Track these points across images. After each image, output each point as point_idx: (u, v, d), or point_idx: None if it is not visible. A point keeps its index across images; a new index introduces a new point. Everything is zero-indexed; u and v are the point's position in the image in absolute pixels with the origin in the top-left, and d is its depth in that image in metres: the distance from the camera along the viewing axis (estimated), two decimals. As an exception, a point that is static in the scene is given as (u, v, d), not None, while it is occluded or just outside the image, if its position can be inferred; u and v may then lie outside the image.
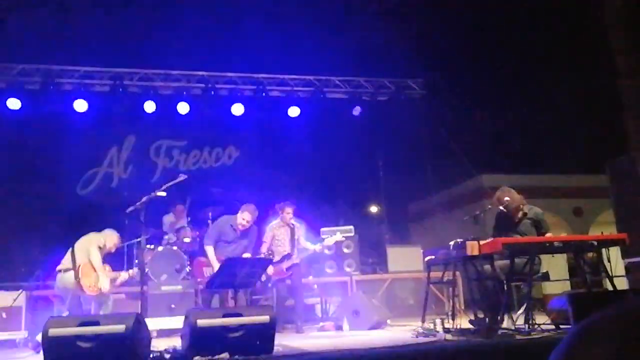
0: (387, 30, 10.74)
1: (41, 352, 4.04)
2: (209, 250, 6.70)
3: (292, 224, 7.45)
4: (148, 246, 8.22)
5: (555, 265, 7.20)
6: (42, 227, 8.95)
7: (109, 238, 6.24)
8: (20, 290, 6.87)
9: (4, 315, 6.74)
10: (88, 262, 5.85)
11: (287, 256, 7.16)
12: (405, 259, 8.96)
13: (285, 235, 7.46)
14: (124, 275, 6.20)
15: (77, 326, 4.00)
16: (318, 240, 7.99)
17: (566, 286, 7.13)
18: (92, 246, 5.93)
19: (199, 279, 6.51)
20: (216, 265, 6.37)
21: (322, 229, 9.30)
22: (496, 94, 11.53)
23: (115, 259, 7.43)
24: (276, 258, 7.08)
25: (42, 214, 9.37)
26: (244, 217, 6.72)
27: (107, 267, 6.09)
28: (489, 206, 5.86)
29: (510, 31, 11.17)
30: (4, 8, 8.39)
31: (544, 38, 11.47)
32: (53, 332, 3.94)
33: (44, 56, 9.54)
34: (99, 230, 6.33)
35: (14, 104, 9.39)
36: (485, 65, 11.48)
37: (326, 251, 7.79)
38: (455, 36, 10.81)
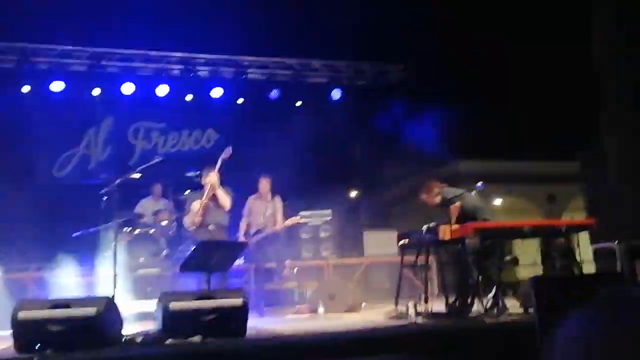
0: (369, 13, 10.70)
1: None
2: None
3: (269, 198, 7.60)
4: (125, 229, 8.19)
5: (529, 251, 7.32)
6: (17, 209, 8.80)
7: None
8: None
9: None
10: None
11: (258, 232, 7.44)
12: (382, 243, 9.00)
13: (260, 208, 7.65)
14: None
15: (48, 309, 3.99)
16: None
17: (538, 271, 7.27)
18: None
19: None
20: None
21: (301, 213, 9.33)
22: (474, 80, 11.59)
23: (86, 244, 7.44)
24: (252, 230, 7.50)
25: (18, 196, 9.20)
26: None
27: None
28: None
29: (491, 15, 11.21)
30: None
31: (523, 23, 11.54)
32: (22, 315, 3.91)
33: (18, 33, 9.32)
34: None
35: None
36: (464, 51, 11.52)
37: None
38: (436, 21, 10.81)
